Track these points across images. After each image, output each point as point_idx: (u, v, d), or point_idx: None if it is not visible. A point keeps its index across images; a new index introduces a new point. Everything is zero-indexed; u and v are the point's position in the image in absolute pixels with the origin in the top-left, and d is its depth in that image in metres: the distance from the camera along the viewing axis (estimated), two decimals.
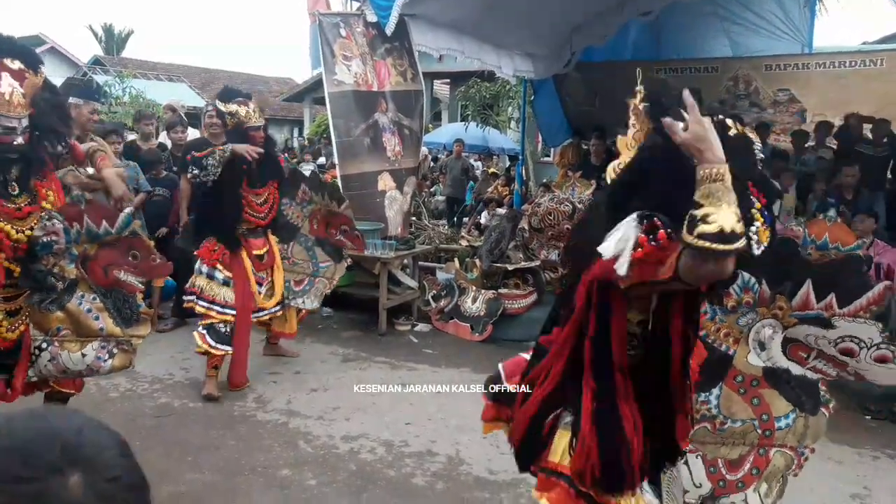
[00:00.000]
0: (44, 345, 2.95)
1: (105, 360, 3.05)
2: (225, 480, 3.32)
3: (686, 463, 2.29)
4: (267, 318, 4.67)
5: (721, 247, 1.35)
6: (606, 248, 1.53)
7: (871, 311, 2.12)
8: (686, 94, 1.49)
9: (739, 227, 1.37)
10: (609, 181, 1.76)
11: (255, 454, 3.59)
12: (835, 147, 7.35)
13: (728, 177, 1.40)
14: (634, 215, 1.52)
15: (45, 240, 2.76)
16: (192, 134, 6.92)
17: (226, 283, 4.31)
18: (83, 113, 5.17)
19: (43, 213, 2.79)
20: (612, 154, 4.41)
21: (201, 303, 4.27)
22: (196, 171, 4.18)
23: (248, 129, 4.23)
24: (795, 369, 2.29)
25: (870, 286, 2.13)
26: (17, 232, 2.75)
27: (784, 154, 7.33)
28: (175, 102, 8.03)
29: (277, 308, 4.64)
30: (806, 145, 7.59)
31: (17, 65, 2.66)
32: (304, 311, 4.91)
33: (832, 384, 2.41)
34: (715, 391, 2.33)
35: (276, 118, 20.19)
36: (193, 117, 10.16)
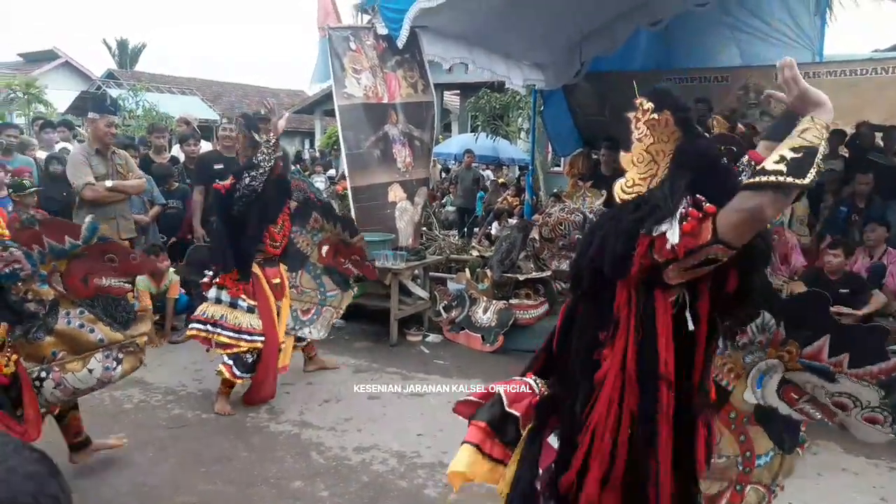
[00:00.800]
0: (43, 374, 2.92)
1: (114, 369, 3.06)
2: (238, 492, 3.33)
3: None
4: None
5: (788, 179, 1.43)
6: (672, 234, 1.55)
7: (879, 379, 2.12)
8: (785, 62, 1.65)
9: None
10: (619, 200, 1.71)
11: (268, 465, 3.60)
12: (846, 156, 7.31)
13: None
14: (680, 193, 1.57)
15: (7, 270, 2.72)
16: (205, 147, 6.99)
17: (251, 310, 4.24)
18: (100, 127, 5.24)
19: None
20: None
21: (226, 333, 4.17)
22: (252, 174, 4.06)
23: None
24: (783, 409, 2.28)
25: (886, 357, 2.12)
26: None
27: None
28: (188, 116, 8.12)
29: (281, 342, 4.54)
30: None
31: None
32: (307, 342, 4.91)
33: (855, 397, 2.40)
34: None
35: (288, 130, 20.29)
36: (205, 130, 10.25)
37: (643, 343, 1.66)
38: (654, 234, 1.57)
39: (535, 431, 1.97)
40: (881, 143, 7.07)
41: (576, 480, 1.74)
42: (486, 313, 5.99)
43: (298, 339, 4.81)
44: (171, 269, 5.96)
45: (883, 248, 5.56)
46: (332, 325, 5.00)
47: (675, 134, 1.65)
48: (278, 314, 4.43)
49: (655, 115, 1.63)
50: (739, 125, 3.40)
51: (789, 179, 1.43)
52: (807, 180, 1.43)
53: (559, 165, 12.33)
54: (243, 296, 4.25)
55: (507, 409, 2.03)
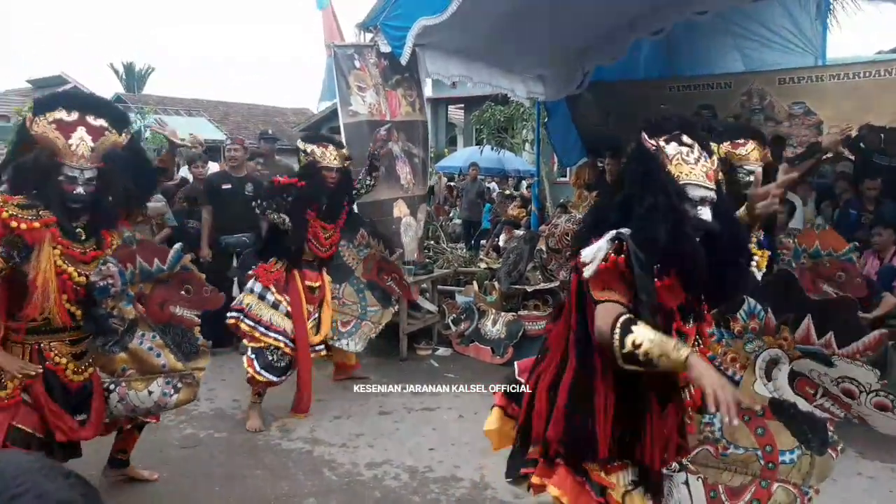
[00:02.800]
0: (112, 386, 3.06)
1: (171, 396, 3.15)
2: None
3: (687, 484, 2.29)
4: (324, 354, 4.73)
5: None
6: (586, 254, 1.86)
7: (867, 356, 2.13)
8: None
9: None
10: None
11: (281, 483, 3.60)
12: (852, 159, 7.28)
13: None
14: (613, 232, 1.85)
15: (101, 284, 2.85)
16: (212, 167, 7.05)
17: (275, 305, 4.34)
18: None
19: (100, 259, 2.90)
20: None
21: (247, 321, 4.29)
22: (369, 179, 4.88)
23: (321, 168, 4.39)
24: (803, 405, 2.27)
25: (864, 332, 2.15)
26: (80, 275, 2.85)
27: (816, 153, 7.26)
28: (196, 137, 8.18)
29: (321, 347, 4.64)
30: (823, 158, 7.53)
31: (99, 122, 2.84)
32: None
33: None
34: (719, 415, 2.32)
35: (294, 148, 20.45)
36: (213, 150, 10.32)
37: (579, 325, 2.01)
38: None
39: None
40: (884, 146, 7.03)
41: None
42: (495, 325, 5.99)
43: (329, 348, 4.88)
44: None
45: (892, 250, 5.52)
46: (368, 339, 5.07)
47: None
48: (319, 322, 4.56)
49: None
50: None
51: (616, 346, 1.74)
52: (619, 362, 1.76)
53: (565, 176, 12.35)
54: (272, 288, 4.35)
55: (517, 377, 2.43)
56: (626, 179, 1.98)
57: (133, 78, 28.84)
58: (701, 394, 2.14)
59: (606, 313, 1.79)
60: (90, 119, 2.82)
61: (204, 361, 3.26)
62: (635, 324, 1.73)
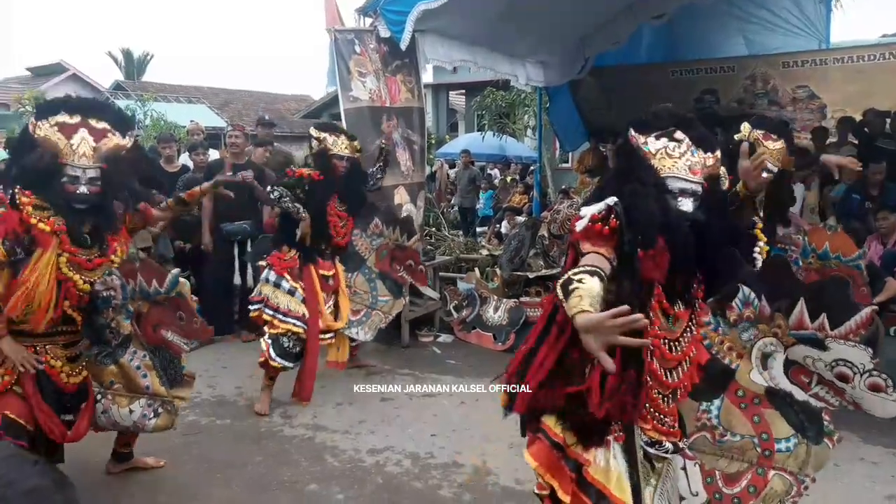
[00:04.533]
0: (98, 396, 3.08)
1: (150, 419, 3.18)
2: (253, 497, 3.35)
3: (684, 469, 2.30)
4: (330, 341, 4.67)
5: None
6: (584, 211, 1.92)
7: (861, 335, 2.15)
8: None
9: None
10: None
11: (283, 469, 3.61)
12: (856, 143, 7.23)
13: None
14: (611, 199, 1.90)
15: (104, 294, 2.90)
16: (213, 155, 7.02)
17: (291, 292, 4.35)
18: None
19: (105, 269, 2.93)
20: None
21: (267, 310, 4.32)
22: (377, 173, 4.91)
23: (331, 156, 4.39)
24: (798, 394, 2.29)
25: (858, 309, 2.16)
26: (84, 282, 2.87)
27: (805, 151, 7.23)
28: (198, 125, 8.14)
29: (331, 336, 4.60)
30: (827, 142, 7.49)
31: (101, 125, 2.85)
32: (356, 343, 4.99)
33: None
34: (716, 402, 2.34)
35: (294, 135, 20.35)
36: (214, 138, 10.31)
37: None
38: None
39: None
40: (889, 130, 6.99)
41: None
42: (496, 312, 5.99)
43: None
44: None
45: None
46: (378, 328, 5.08)
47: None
48: (337, 309, 4.58)
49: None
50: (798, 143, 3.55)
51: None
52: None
53: (567, 162, 12.32)
54: (287, 275, 4.35)
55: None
56: (609, 173, 2.09)
57: (132, 65, 28.68)
58: (691, 379, 2.18)
59: (588, 258, 1.85)
60: (92, 122, 2.83)
61: (186, 392, 3.30)
62: (598, 276, 1.73)
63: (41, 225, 2.73)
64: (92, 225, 2.90)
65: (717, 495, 2.30)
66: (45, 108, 2.87)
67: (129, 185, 2.99)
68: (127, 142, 2.93)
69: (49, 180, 2.78)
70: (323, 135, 4.45)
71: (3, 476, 0.71)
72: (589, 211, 1.91)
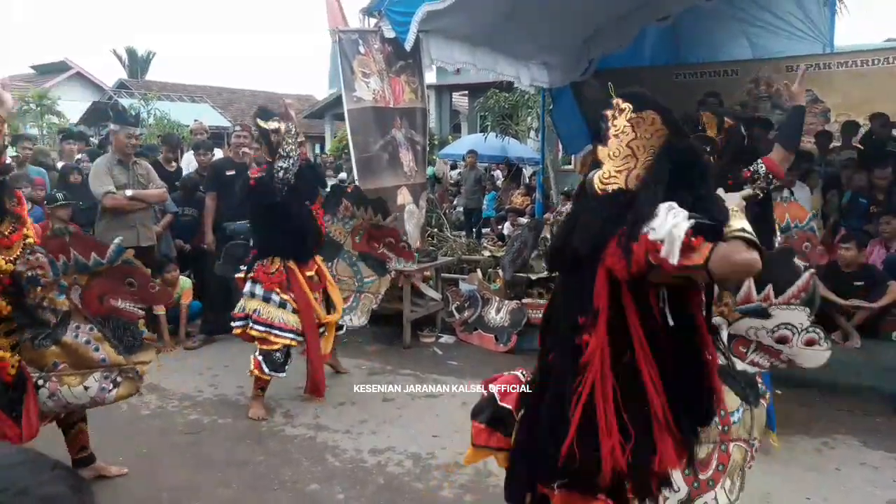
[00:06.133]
0: (40, 382, 2.93)
1: (109, 391, 3.05)
2: (254, 496, 3.35)
3: None
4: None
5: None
6: (657, 232, 1.64)
7: (801, 297, 2.40)
8: None
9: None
10: (598, 191, 1.89)
11: (284, 469, 3.61)
12: (860, 147, 7.22)
13: None
14: (676, 209, 1.65)
15: (29, 274, 2.77)
16: (217, 154, 7.04)
17: (282, 305, 4.25)
18: (121, 138, 5.36)
19: (25, 248, 2.80)
20: None
21: (257, 327, 4.20)
22: (284, 165, 4.13)
23: (300, 143, 4.28)
24: (738, 364, 2.48)
25: (799, 275, 2.39)
26: (6, 262, 2.73)
27: (808, 155, 7.23)
28: (201, 124, 8.17)
29: (323, 328, 4.52)
30: (830, 146, 7.48)
31: None
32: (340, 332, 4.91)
33: (873, 391, 2.35)
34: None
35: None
36: (216, 137, 10.32)
37: (617, 335, 1.83)
38: (650, 238, 1.66)
39: (523, 417, 2.19)
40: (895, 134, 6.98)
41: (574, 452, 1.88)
42: (498, 313, 5.98)
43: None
44: (185, 277, 6.02)
45: None
46: (370, 311, 5.03)
47: (660, 132, 1.82)
48: (331, 304, 4.52)
49: (637, 114, 1.81)
50: (727, 119, 3.59)
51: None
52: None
53: (570, 164, 12.30)
54: (277, 290, 4.25)
55: (499, 404, 2.28)
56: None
57: (136, 63, 28.74)
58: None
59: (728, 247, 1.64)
60: None
61: (148, 356, 3.16)
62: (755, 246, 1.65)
63: None
64: None
65: (695, 484, 2.35)
66: None
67: None
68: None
69: None
70: (274, 124, 4.20)
71: (17, 483, 0.67)
72: (672, 232, 1.63)
